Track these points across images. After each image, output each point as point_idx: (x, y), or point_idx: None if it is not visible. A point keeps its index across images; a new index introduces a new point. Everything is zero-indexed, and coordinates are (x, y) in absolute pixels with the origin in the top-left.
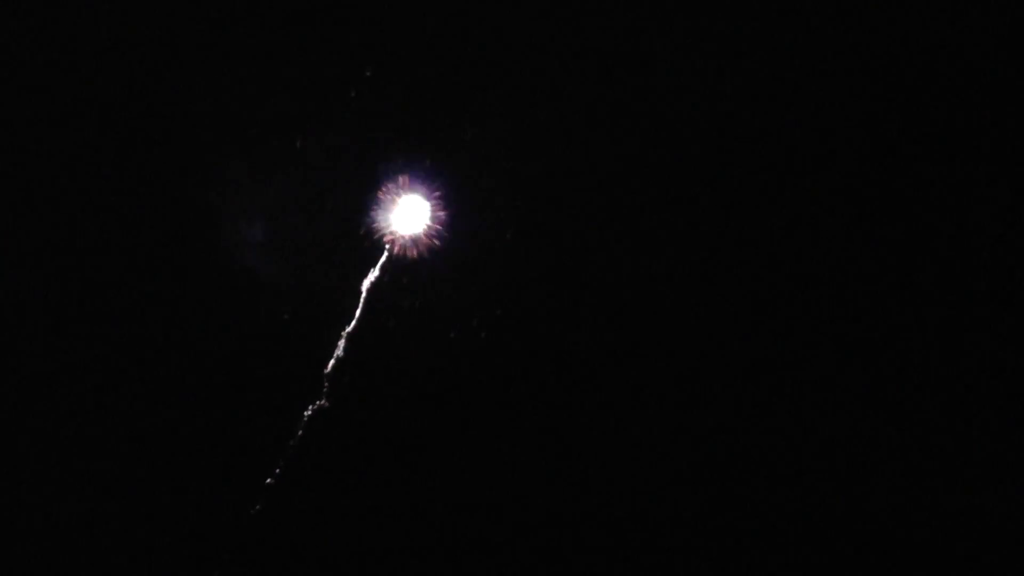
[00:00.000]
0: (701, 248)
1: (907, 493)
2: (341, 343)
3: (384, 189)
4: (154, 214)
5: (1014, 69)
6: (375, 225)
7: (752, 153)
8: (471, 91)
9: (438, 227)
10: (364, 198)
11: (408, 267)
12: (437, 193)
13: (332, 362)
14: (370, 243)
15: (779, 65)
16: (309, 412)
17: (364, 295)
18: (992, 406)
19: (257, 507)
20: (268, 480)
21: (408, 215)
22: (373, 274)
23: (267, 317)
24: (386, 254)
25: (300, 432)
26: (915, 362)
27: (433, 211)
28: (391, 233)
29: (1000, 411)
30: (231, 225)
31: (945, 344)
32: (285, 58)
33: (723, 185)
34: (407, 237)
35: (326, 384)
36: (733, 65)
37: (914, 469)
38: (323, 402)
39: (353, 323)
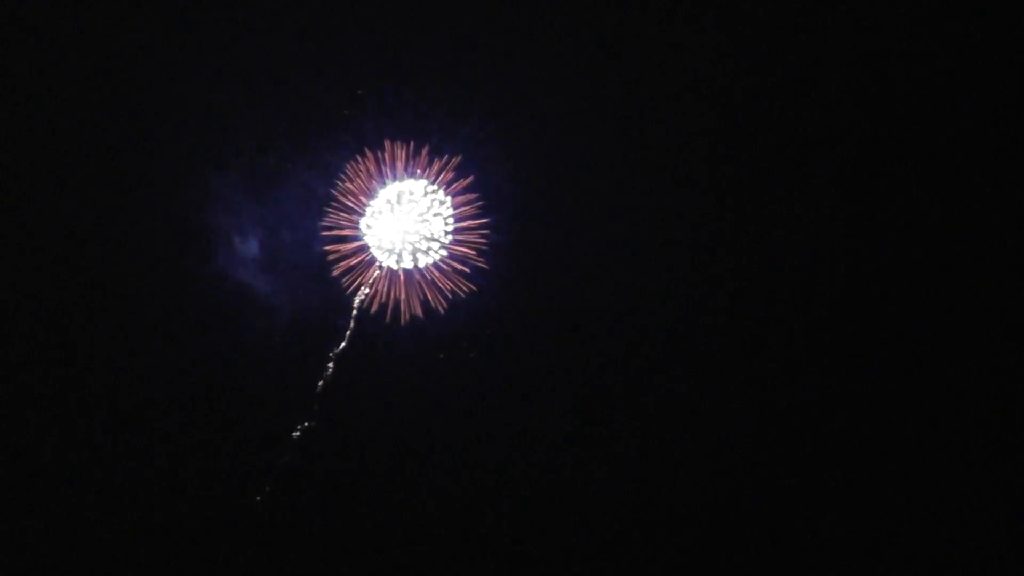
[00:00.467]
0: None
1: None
2: (330, 365)
3: (376, 211)
4: (147, 235)
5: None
6: (367, 246)
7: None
8: (462, 112)
9: (431, 249)
10: (356, 219)
11: (398, 288)
12: (430, 214)
13: (321, 383)
14: (362, 263)
15: (790, 68)
16: (298, 433)
17: (354, 315)
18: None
19: (247, 524)
20: (257, 498)
21: (401, 237)
22: (364, 294)
23: (259, 338)
24: (377, 274)
25: (289, 452)
26: (916, 363)
27: (426, 233)
28: (383, 254)
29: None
30: (225, 244)
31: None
32: (280, 79)
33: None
34: (398, 259)
35: (315, 406)
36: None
37: (914, 469)
38: (312, 423)
39: (343, 344)
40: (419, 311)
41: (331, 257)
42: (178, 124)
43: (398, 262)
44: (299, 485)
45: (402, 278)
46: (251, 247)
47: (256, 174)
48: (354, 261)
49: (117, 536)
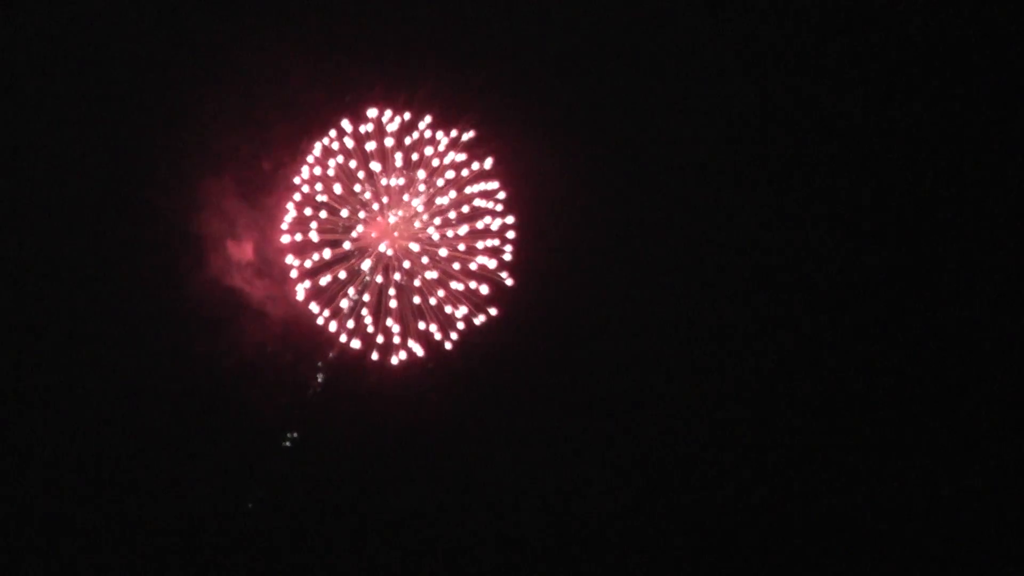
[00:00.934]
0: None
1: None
2: (320, 375)
3: (367, 221)
4: (143, 238)
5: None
6: (357, 257)
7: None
8: (454, 117)
9: (421, 261)
10: (345, 227)
11: (389, 298)
12: (422, 224)
13: (310, 392)
14: (353, 275)
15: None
16: (287, 443)
17: (347, 324)
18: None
19: (238, 531)
20: (249, 505)
21: (392, 246)
22: (354, 303)
23: (251, 346)
24: (368, 282)
25: (278, 459)
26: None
27: (417, 245)
28: (373, 266)
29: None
30: (218, 253)
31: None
32: (277, 84)
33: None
34: (390, 269)
35: (305, 413)
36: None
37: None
38: (301, 431)
39: (332, 353)
40: (421, 349)
41: (306, 266)
42: (174, 130)
43: (394, 275)
44: (289, 491)
45: (396, 299)
46: (244, 252)
47: (251, 180)
48: (346, 274)
49: (111, 538)
